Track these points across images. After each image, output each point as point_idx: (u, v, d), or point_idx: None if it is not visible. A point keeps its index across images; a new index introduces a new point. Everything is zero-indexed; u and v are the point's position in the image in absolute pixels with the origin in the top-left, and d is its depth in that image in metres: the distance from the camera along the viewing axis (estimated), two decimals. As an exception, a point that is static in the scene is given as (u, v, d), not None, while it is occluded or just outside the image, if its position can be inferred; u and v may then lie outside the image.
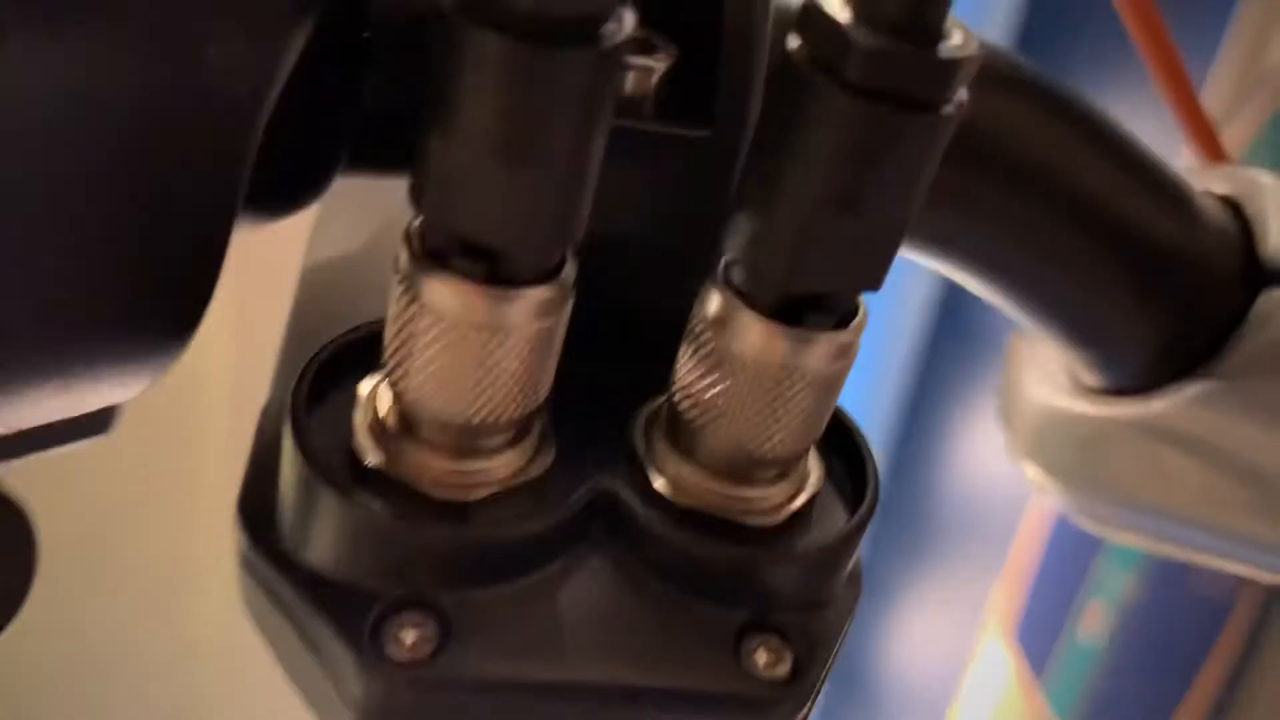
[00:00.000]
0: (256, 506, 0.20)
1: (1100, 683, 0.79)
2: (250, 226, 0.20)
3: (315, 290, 0.24)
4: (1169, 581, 0.73)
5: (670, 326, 0.20)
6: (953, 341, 0.82)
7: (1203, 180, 0.30)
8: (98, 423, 0.20)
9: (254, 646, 0.21)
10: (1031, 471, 0.31)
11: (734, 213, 0.18)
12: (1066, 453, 0.29)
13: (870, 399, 0.92)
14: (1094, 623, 0.78)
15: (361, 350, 0.20)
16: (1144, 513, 0.28)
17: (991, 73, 0.24)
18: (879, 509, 0.21)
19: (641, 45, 0.20)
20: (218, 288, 0.17)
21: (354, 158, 0.21)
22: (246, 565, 0.20)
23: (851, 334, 0.18)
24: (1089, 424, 0.28)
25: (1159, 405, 0.27)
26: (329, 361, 0.20)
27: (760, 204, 0.17)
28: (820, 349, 0.18)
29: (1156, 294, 0.27)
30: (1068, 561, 0.80)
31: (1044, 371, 0.30)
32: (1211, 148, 0.34)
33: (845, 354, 0.18)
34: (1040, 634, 0.83)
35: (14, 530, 0.19)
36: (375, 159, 0.22)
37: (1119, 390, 0.28)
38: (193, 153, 0.16)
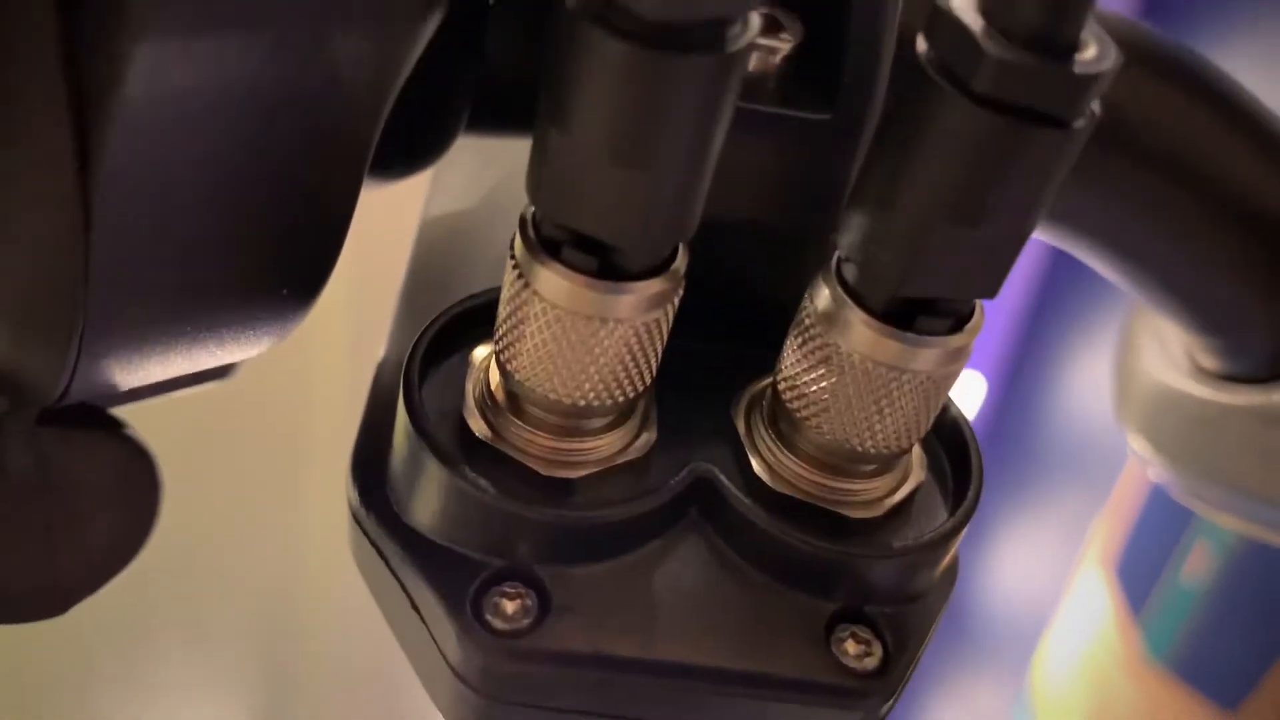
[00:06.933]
0: (368, 464, 0.20)
1: (1200, 626, 0.77)
2: (373, 187, 0.20)
3: (433, 245, 0.24)
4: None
5: (780, 309, 0.20)
6: (1068, 273, 0.80)
7: None
8: (221, 371, 0.21)
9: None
10: (1138, 444, 0.31)
11: (849, 209, 0.18)
12: (1178, 433, 0.29)
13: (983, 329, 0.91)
14: (1198, 564, 0.76)
15: (478, 316, 0.20)
16: (1253, 500, 0.28)
17: (1127, 50, 0.23)
18: (988, 437, 0.20)
19: (768, 24, 0.20)
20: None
21: (474, 118, 0.21)
22: (356, 520, 0.20)
23: (964, 338, 0.18)
24: (1205, 408, 0.28)
25: None
26: (444, 328, 0.20)
27: (876, 205, 0.17)
28: (930, 353, 0.18)
29: None
30: (1174, 499, 0.78)
31: (1163, 348, 0.30)
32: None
33: (956, 358, 0.18)
34: (1140, 572, 0.81)
35: (142, 475, 0.20)
36: (495, 119, 0.22)
37: (1240, 377, 0.27)
38: (323, 138, 0.16)
